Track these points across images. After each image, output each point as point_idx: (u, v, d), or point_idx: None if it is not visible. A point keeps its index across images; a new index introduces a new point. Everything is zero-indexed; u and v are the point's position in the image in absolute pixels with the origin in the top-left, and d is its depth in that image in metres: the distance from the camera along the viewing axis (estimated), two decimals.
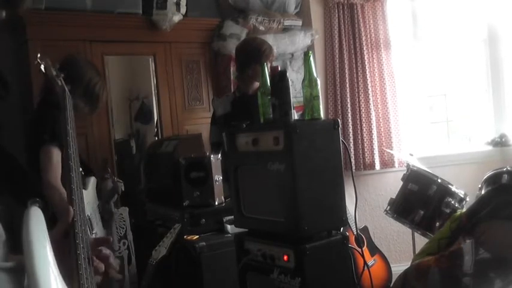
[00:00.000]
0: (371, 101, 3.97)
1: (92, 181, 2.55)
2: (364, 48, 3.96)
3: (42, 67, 1.39)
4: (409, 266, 2.19)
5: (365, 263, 2.92)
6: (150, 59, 3.73)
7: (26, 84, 3.20)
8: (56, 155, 2.28)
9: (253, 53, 3.04)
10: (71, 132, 1.19)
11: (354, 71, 3.98)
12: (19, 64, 3.37)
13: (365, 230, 3.54)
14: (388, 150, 3.89)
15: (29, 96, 3.14)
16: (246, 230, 2.14)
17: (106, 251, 1.10)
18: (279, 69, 2.02)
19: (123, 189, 2.87)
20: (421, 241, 2.90)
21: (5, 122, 2.82)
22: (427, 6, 4.19)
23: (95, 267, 1.06)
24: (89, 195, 2.45)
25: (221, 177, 2.69)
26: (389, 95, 4.01)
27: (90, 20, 3.38)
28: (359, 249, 2.46)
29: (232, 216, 2.24)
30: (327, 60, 4.02)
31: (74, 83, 2.31)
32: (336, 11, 3.96)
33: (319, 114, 1.94)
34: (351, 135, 3.95)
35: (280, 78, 1.95)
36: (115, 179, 2.85)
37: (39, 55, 1.40)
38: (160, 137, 3.71)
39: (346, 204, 2.00)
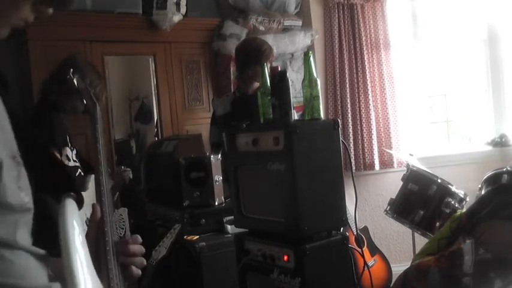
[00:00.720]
0: (371, 101, 3.97)
1: (93, 180, 2.55)
2: (364, 49, 3.96)
3: (75, 81, 1.36)
4: (409, 266, 2.20)
5: (365, 263, 2.91)
6: (150, 59, 3.73)
7: (26, 84, 3.20)
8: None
9: (253, 53, 3.04)
10: (100, 149, 1.19)
11: (354, 71, 3.98)
12: (19, 64, 3.37)
13: (365, 230, 3.54)
14: (388, 151, 3.89)
15: (29, 96, 3.14)
16: (246, 230, 2.14)
17: (134, 247, 1.09)
18: (279, 69, 2.02)
19: (130, 176, 2.86)
20: (421, 241, 2.90)
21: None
22: (427, 6, 4.19)
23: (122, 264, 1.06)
24: (89, 196, 2.44)
25: (221, 178, 2.69)
26: (389, 95, 4.01)
27: (90, 20, 3.38)
28: (359, 250, 2.46)
29: (232, 217, 2.24)
30: (327, 60, 4.02)
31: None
32: (336, 11, 3.96)
33: (319, 115, 1.94)
34: (351, 135, 3.95)
35: (280, 79, 1.95)
36: (120, 170, 2.85)
37: (71, 70, 1.37)
38: (160, 137, 3.71)
39: (346, 204, 1.99)
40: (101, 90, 2.61)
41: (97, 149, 1.17)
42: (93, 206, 1.08)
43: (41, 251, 0.82)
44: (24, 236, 0.79)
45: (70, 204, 0.89)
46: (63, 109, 2.50)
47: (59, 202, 0.91)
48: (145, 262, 1.11)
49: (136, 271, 1.08)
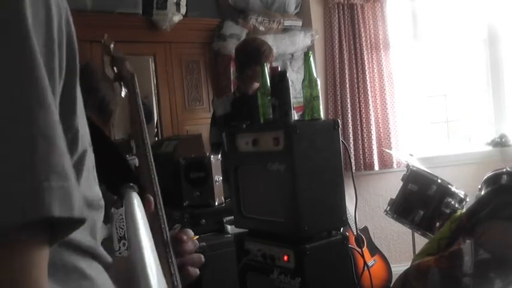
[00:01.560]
0: (371, 101, 3.97)
1: None
2: (364, 49, 3.96)
3: (111, 47, 1.31)
4: (409, 266, 2.20)
5: (365, 263, 2.91)
6: (150, 59, 3.73)
7: None
8: None
9: (253, 53, 3.05)
10: (143, 120, 1.10)
11: (354, 71, 3.98)
12: None
13: (365, 230, 3.54)
14: (388, 151, 3.89)
15: None
16: (246, 230, 2.14)
17: (189, 245, 0.99)
18: (279, 69, 2.03)
19: (136, 164, 2.85)
20: (421, 241, 2.91)
21: None
22: (427, 6, 4.19)
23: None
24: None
25: (221, 178, 2.69)
26: (389, 95, 4.01)
27: (90, 20, 3.38)
28: (359, 250, 2.46)
29: (232, 217, 2.25)
30: (327, 60, 4.02)
31: (87, 93, 2.28)
32: (336, 12, 3.97)
33: (319, 115, 1.94)
34: (350, 135, 3.95)
35: (280, 79, 1.95)
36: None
37: (106, 36, 1.30)
38: (160, 137, 3.71)
39: (346, 204, 2.00)
40: (114, 105, 2.56)
41: (142, 130, 1.07)
42: (147, 197, 0.98)
43: (110, 259, 0.68)
44: (99, 242, 0.66)
45: (136, 198, 0.80)
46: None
47: (119, 194, 0.83)
48: (203, 259, 0.99)
49: (194, 270, 0.97)
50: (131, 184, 0.83)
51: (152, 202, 0.98)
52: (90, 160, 0.61)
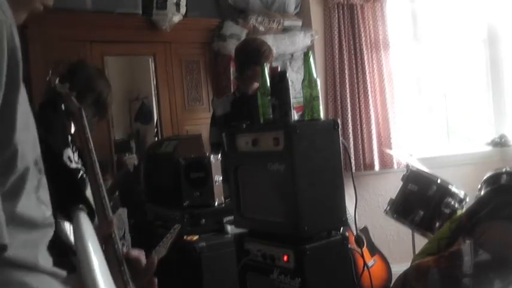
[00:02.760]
0: (371, 102, 3.97)
1: None
2: (364, 49, 3.96)
3: (56, 84, 1.34)
4: (409, 266, 2.20)
5: (365, 263, 2.91)
6: (150, 59, 3.73)
7: (26, 84, 3.19)
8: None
9: (252, 53, 3.04)
10: (92, 149, 1.17)
11: (354, 71, 3.98)
12: None
13: (365, 230, 3.54)
14: (388, 151, 3.89)
15: (28, 96, 3.14)
16: (246, 230, 2.14)
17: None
18: (279, 69, 2.02)
19: (135, 163, 2.85)
20: (421, 241, 2.90)
21: None
22: (427, 7, 4.19)
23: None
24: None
25: (221, 178, 2.69)
26: (389, 95, 4.01)
27: (90, 20, 3.38)
28: (359, 250, 2.46)
29: (232, 217, 2.25)
30: (326, 60, 4.02)
31: (83, 91, 2.28)
32: (336, 12, 3.96)
33: (319, 115, 1.94)
34: (350, 135, 3.95)
35: (280, 79, 1.95)
36: (124, 157, 2.84)
37: (50, 72, 1.35)
38: (160, 137, 3.71)
39: (346, 204, 2.00)
40: (110, 99, 2.57)
41: (89, 151, 1.15)
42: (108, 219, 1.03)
43: (63, 273, 0.72)
44: (45, 256, 0.68)
45: (84, 219, 0.82)
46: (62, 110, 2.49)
47: (67, 214, 0.86)
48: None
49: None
50: (80, 205, 0.86)
51: (113, 223, 1.01)
52: (34, 179, 0.61)
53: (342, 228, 2.02)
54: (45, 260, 0.68)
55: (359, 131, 3.96)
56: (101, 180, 1.12)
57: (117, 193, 2.86)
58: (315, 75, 1.92)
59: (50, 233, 0.69)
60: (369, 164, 3.98)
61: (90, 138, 1.19)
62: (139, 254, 1.05)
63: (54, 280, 0.69)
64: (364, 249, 3.37)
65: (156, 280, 1.06)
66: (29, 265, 0.63)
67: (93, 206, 1.10)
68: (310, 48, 3.93)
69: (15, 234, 0.59)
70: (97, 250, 0.78)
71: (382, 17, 4.02)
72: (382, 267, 3.45)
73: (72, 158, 2.46)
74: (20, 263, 0.61)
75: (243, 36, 3.71)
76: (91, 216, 0.91)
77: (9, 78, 0.54)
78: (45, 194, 0.68)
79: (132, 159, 2.84)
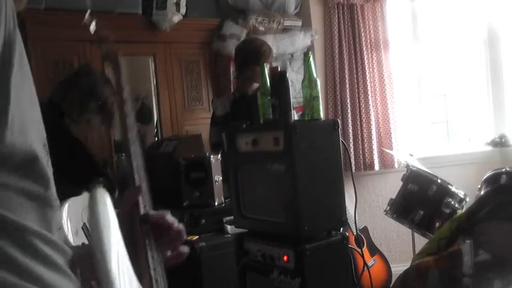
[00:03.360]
0: (371, 102, 3.97)
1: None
2: (364, 49, 3.96)
3: (93, 26, 1.22)
4: (408, 266, 2.20)
5: (365, 263, 2.92)
6: (150, 59, 3.73)
7: None
8: None
9: (252, 53, 3.04)
10: (127, 100, 1.03)
11: (354, 71, 3.98)
12: None
13: (365, 230, 3.54)
14: (388, 151, 3.89)
15: None
16: (246, 230, 2.14)
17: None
18: (279, 69, 2.03)
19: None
20: (421, 241, 2.91)
21: None
22: (427, 6, 4.19)
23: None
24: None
25: (221, 178, 2.69)
26: (389, 95, 4.01)
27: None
28: (359, 250, 2.46)
29: (232, 217, 2.25)
30: (326, 60, 4.02)
31: (87, 96, 2.26)
32: (336, 12, 3.96)
33: (319, 115, 1.94)
34: (350, 135, 3.95)
35: (280, 79, 1.95)
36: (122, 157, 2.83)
37: (88, 12, 1.22)
38: (160, 137, 3.71)
39: (346, 204, 2.00)
40: (114, 104, 2.54)
41: (124, 110, 1.00)
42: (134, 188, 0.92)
43: (70, 251, 0.69)
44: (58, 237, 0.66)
45: (102, 195, 0.76)
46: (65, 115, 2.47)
47: (85, 191, 0.80)
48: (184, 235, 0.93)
49: (179, 252, 0.94)
50: (100, 179, 0.81)
51: (143, 189, 0.91)
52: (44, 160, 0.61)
53: (342, 228, 2.03)
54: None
55: (359, 131, 3.96)
56: (134, 134, 0.98)
57: (116, 193, 2.86)
58: (315, 75, 1.92)
59: (56, 213, 0.67)
60: (369, 164, 3.98)
61: (124, 86, 1.07)
62: (164, 214, 0.93)
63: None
64: (364, 249, 3.37)
65: (186, 249, 0.96)
66: (49, 238, 0.62)
67: (112, 179, 1.02)
68: (310, 48, 3.94)
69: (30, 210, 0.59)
70: (114, 233, 0.72)
71: (382, 17, 4.02)
72: (382, 267, 3.45)
73: None
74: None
75: (243, 36, 3.71)
76: (111, 191, 0.85)
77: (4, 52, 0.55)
78: (51, 175, 0.66)
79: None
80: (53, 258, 0.60)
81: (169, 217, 0.93)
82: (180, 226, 0.93)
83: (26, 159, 0.58)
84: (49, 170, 0.65)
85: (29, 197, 0.58)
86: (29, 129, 0.59)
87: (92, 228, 0.71)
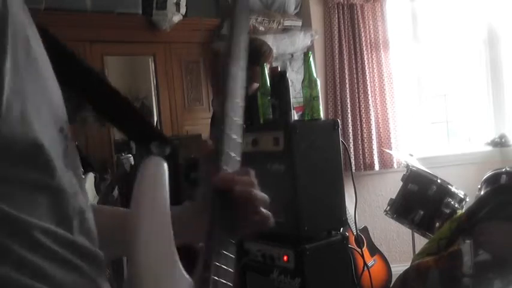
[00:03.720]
0: (371, 101, 3.97)
1: (90, 177, 2.53)
2: (364, 49, 3.96)
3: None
4: (409, 266, 2.20)
5: (365, 263, 2.91)
6: (150, 59, 3.73)
7: None
8: None
9: (252, 53, 3.02)
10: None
11: (354, 71, 3.98)
12: None
13: (365, 230, 3.54)
14: (388, 151, 3.89)
15: None
16: None
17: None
18: (279, 69, 2.03)
19: (132, 163, 2.84)
20: (421, 241, 2.91)
21: None
22: (427, 6, 4.19)
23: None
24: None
25: None
26: (389, 95, 4.01)
27: (90, 20, 3.38)
28: (359, 250, 2.46)
29: None
30: (326, 60, 4.02)
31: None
32: (336, 12, 3.96)
33: (319, 115, 1.94)
34: (350, 135, 3.95)
35: (280, 79, 1.95)
36: (122, 158, 2.83)
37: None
38: None
39: (346, 204, 2.00)
40: None
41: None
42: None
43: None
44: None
45: (155, 166, 0.68)
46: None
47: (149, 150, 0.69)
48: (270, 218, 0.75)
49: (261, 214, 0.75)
50: (160, 143, 0.73)
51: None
52: (54, 145, 0.58)
53: (342, 228, 2.03)
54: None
55: (359, 131, 3.96)
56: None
57: (116, 194, 2.86)
58: (315, 75, 1.92)
59: (79, 197, 0.62)
60: (369, 164, 3.98)
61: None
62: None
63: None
64: (364, 249, 3.37)
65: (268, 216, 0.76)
66: (68, 240, 0.58)
67: (167, 138, 0.89)
68: (310, 48, 3.94)
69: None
70: (158, 208, 0.65)
71: (382, 17, 4.02)
72: (382, 267, 3.45)
73: None
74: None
75: None
76: (165, 150, 0.74)
77: None
78: (73, 161, 0.62)
79: (127, 160, 2.83)
80: (61, 254, 0.57)
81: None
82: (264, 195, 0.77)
83: (28, 149, 0.54)
84: (69, 156, 0.60)
85: (36, 188, 0.55)
86: (34, 117, 0.57)
87: (132, 222, 0.64)
